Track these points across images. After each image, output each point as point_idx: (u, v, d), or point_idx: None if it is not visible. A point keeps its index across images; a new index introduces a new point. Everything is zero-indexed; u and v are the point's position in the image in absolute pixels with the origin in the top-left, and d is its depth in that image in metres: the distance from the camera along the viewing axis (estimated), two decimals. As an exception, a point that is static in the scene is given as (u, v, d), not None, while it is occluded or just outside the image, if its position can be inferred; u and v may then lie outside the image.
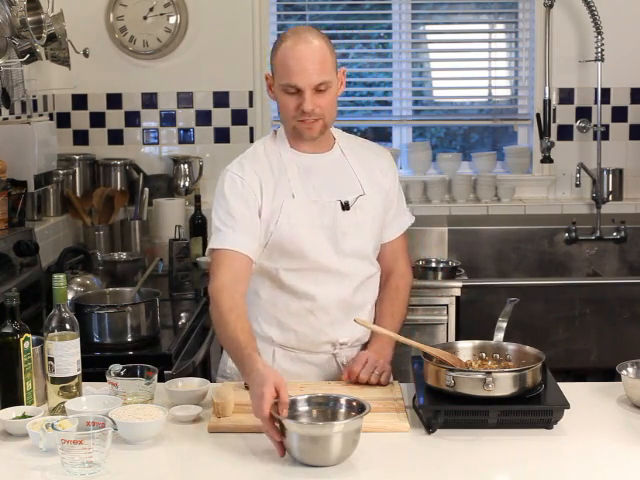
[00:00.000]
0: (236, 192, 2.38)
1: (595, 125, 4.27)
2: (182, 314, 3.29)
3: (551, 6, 4.10)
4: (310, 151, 2.45)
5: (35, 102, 4.00)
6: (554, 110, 4.30)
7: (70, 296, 2.87)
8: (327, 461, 1.90)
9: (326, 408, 2.03)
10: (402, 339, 2.35)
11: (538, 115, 4.15)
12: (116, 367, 2.24)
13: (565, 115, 4.39)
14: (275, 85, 2.38)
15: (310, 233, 2.39)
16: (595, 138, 4.27)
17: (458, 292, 3.66)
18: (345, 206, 2.41)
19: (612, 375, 2.33)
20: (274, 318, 2.46)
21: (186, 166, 4.30)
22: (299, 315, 2.44)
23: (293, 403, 2.00)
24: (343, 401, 2.03)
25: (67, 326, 2.16)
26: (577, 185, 4.25)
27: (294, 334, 2.46)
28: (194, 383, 2.30)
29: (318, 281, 2.41)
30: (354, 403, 2.01)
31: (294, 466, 1.93)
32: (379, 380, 2.35)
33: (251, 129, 4.39)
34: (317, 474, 1.90)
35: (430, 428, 2.07)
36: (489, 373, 2.08)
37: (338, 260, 2.42)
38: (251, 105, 4.37)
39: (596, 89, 4.23)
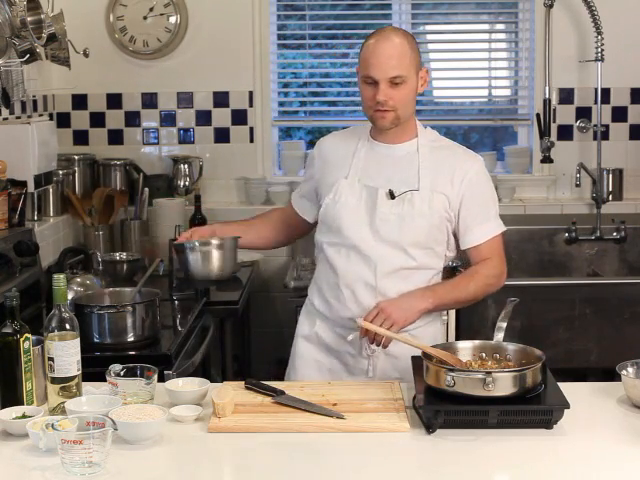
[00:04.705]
0: (309, 160, 2.80)
1: (595, 125, 4.27)
2: (182, 314, 3.29)
3: (551, 6, 4.10)
4: (385, 142, 2.60)
5: (35, 102, 4.00)
6: (554, 110, 4.31)
7: (70, 296, 2.87)
8: (209, 274, 2.69)
9: None
10: (402, 339, 2.36)
11: (538, 115, 4.15)
12: (116, 367, 2.24)
13: (565, 115, 4.39)
14: (359, 77, 2.57)
15: (350, 212, 2.56)
16: (595, 138, 4.27)
17: (458, 292, 3.65)
18: (391, 195, 2.52)
19: (612, 375, 2.32)
20: (319, 287, 2.66)
21: (186, 166, 4.30)
22: (331, 288, 2.61)
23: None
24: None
25: (67, 326, 2.16)
26: (577, 185, 4.25)
27: (327, 305, 2.63)
28: (194, 383, 2.30)
29: (349, 259, 2.56)
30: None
31: (295, 466, 1.94)
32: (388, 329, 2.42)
33: (251, 129, 4.39)
34: (317, 474, 1.90)
35: (430, 428, 2.07)
36: (489, 373, 2.08)
37: (374, 244, 2.53)
38: (251, 105, 4.37)
39: (596, 89, 4.23)
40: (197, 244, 2.69)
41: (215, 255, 2.70)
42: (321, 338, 2.66)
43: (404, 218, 2.52)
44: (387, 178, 2.56)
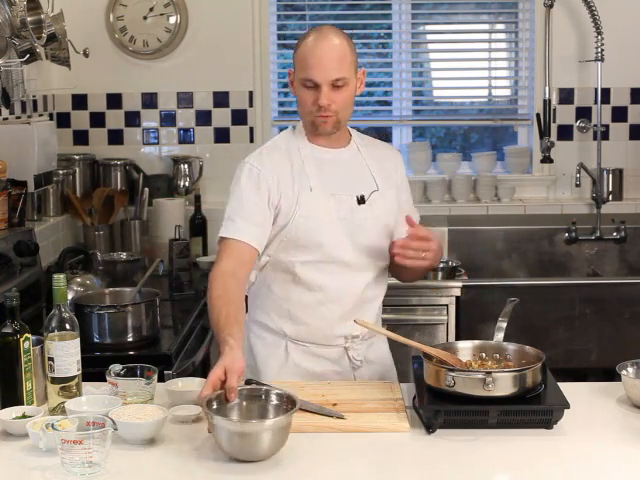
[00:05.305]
0: (251, 183, 2.43)
1: (595, 125, 4.27)
2: (182, 314, 3.29)
3: (551, 6, 4.10)
4: (327, 146, 2.49)
5: (35, 102, 4.00)
6: (554, 110, 4.31)
7: (70, 296, 2.87)
8: (254, 457, 1.91)
9: (257, 401, 2.03)
10: (402, 339, 2.35)
11: (538, 115, 4.15)
12: (116, 367, 2.24)
13: (565, 115, 4.39)
14: (295, 79, 2.43)
15: (326, 226, 2.42)
16: (595, 138, 4.27)
17: (458, 292, 3.66)
18: (361, 200, 2.45)
19: (612, 375, 2.32)
20: (287, 312, 2.49)
21: (186, 166, 4.30)
22: (311, 308, 2.46)
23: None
24: (274, 395, 2.03)
25: (67, 326, 2.16)
26: (577, 185, 4.25)
27: (306, 327, 2.49)
28: (194, 383, 2.29)
29: (333, 274, 2.44)
30: (285, 398, 2.01)
31: (294, 466, 1.93)
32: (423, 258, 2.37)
33: (251, 129, 4.39)
34: (317, 474, 1.90)
35: (430, 428, 2.07)
36: (489, 373, 2.08)
37: (354, 253, 2.45)
38: (251, 105, 4.37)
39: (596, 89, 4.23)
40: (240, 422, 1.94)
41: (266, 437, 1.91)
42: (300, 366, 2.50)
43: (377, 220, 2.47)
44: (346, 183, 2.46)
